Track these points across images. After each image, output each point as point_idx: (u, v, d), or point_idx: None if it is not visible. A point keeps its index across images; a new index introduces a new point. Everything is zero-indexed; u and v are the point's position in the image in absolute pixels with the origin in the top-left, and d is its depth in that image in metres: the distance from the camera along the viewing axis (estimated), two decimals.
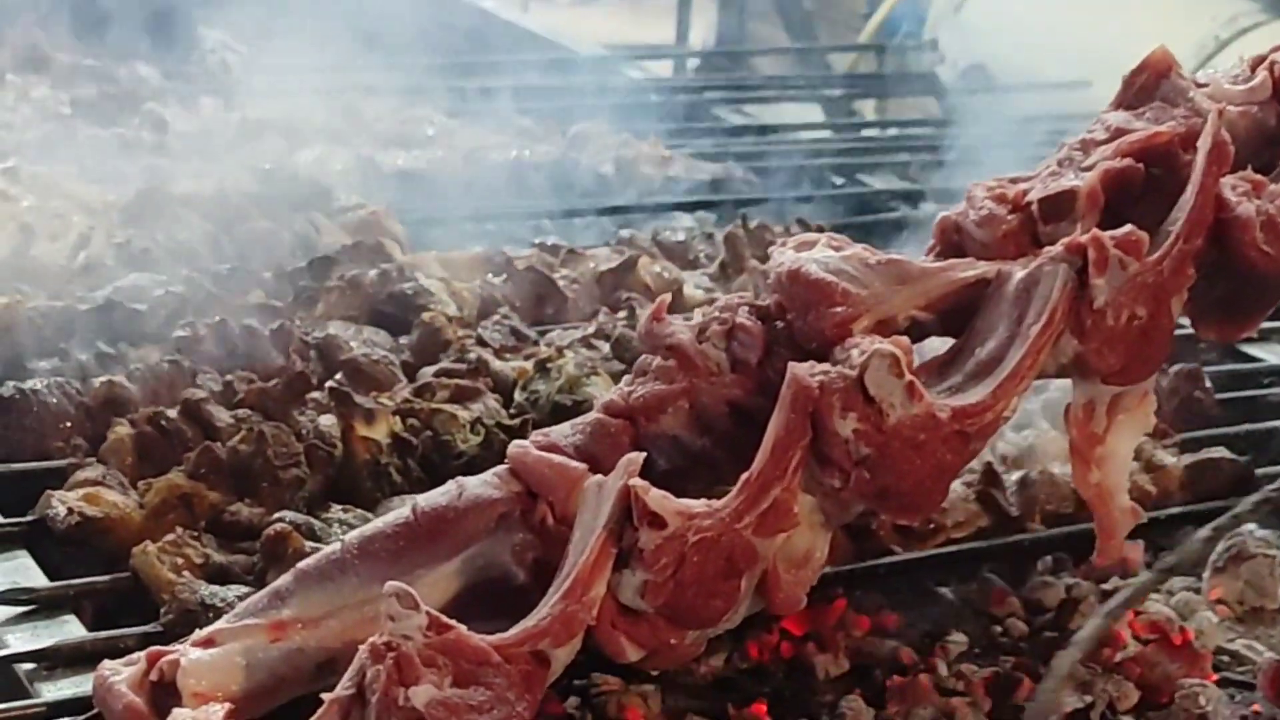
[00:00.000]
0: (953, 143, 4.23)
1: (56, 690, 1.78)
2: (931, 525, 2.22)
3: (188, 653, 1.60)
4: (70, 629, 1.89)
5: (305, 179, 3.13)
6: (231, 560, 1.99)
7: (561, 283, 2.84)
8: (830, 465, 1.61)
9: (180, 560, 1.95)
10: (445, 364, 2.46)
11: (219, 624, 1.65)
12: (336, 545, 1.68)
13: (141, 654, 1.63)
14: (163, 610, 1.89)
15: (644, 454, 1.60)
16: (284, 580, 1.67)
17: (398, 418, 2.25)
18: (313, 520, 2.02)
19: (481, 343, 2.57)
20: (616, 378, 2.47)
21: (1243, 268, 1.73)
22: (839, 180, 3.84)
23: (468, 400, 2.34)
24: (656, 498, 1.55)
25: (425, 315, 2.59)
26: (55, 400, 2.26)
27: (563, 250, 2.95)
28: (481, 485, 1.67)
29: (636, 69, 4.90)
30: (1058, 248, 1.70)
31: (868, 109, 5.34)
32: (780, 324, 1.74)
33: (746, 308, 1.75)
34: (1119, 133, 1.80)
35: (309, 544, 1.93)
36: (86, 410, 2.28)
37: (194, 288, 2.60)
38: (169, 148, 3.28)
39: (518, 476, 1.67)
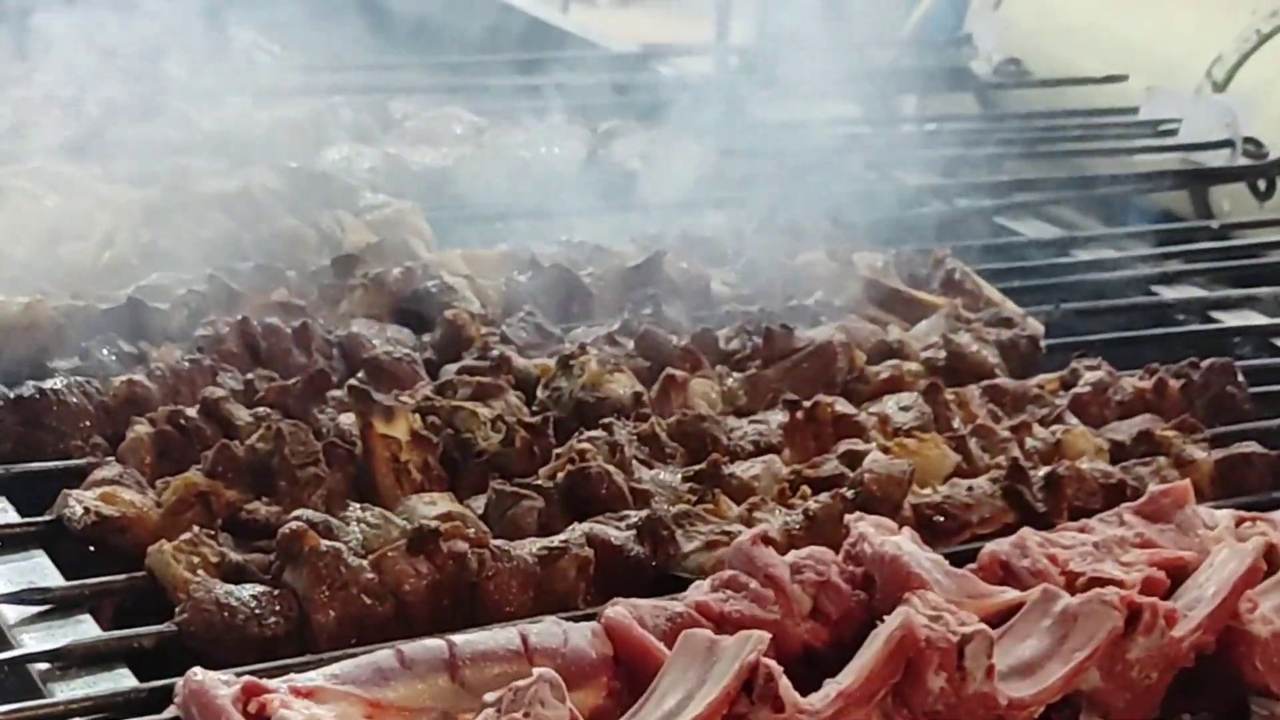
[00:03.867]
0: (987, 137, 4.21)
1: (70, 690, 1.78)
2: (957, 522, 2.21)
3: (290, 701, 1.61)
4: (85, 629, 1.88)
5: (331, 177, 3.12)
6: (248, 559, 1.97)
7: (587, 280, 2.83)
8: (906, 708, 1.78)
9: (196, 559, 1.94)
10: (468, 361, 2.45)
11: (321, 679, 1.65)
12: (444, 644, 1.71)
13: (237, 679, 1.63)
14: (178, 609, 1.88)
15: (769, 635, 1.70)
16: (386, 659, 1.68)
17: (418, 415, 2.23)
18: (330, 519, 2.00)
19: (505, 340, 2.55)
20: (640, 374, 2.46)
21: (1229, 672, 1.96)
22: (870, 176, 3.81)
23: (489, 398, 2.33)
24: (786, 685, 1.68)
25: (448, 313, 2.58)
26: (75, 399, 2.26)
27: (589, 247, 2.93)
28: (580, 637, 1.76)
29: (672, 66, 4.87)
30: (1111, 593, 1.88)
31: (909, 105, 5.30)
32: (862, 593, 1.90)
33: (837, 567, 1.90)
34: (1148, 543, 2.04)
35: (325, 542, 1.92)
36: (106, 409, 2.27)
37: (217, 286, 2.60)
38: (195, 147, 3.27)
39: (612, 639, 1.77)
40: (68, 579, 1.97)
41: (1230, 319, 3.18)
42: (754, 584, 1.86)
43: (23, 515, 2.10)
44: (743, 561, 1.89)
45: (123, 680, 1.80)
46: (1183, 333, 3.09)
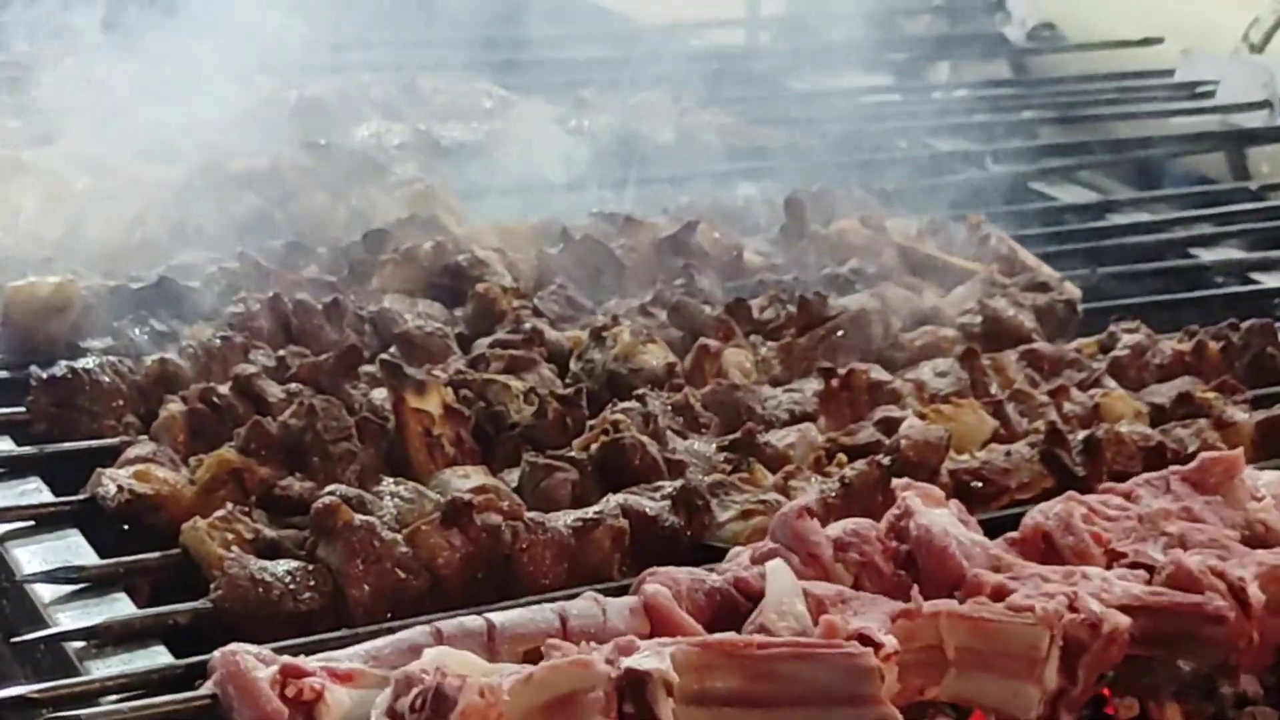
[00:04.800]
0: (1021, 103, 4.18)
1: (106, 667, 1.77)
2: (995, 487, 2.19)
3: (330, 687, 1.61)
4: (120, 606, 1.88)
5: (361, 153, 3.11)
6: (282, 535, 1.97)
7: (619, 251, 2.81)
8: None
9: (230, 535, 1.94)
10: (500, 335, 2.44)
11: (358, 661, 1.65)
12: (483, 623, 1.70)
13: (274, 657, 1.63)
14: (212, 586, 1.87)
15: None
16: (423, 637, 1.67)
17: (450, 389, 2.22)
18: (363, 494, 2.00)
19: (537, 313, 2.54)
20: (673, 345, 2.45)
21: None
22: (903, 144, 3.79)
23: (522, 370, 2.32)
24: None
25: (479, 286, 2.57)
26: (108, 379, 2.26)
27: (620, 219, 2.91)
28: (619, 615, 1.75)
29: (703, 39, 4.85)
30: None
31: (943, 72, 5.27)
32: (904, 573, 1.88)
33: (881, 544, 1.88)
34: (1193, 520, 2.00)
35: (358, 517, 1.91)
36: (139, 388, 2.27)
37: (248, 264, 2.59)
38: (224, 125, 3.26)
39: (650, 615, 1.76)
40: (102, 557, 1.97)
41: (1270, 280, 3.16)
42: (795, 560, 1.84)
43: (57, 494, 2.10)
44: (786, 535, 1.87)
45: (158, 657, 1.79)
46: (1221, 294, 3.07)
